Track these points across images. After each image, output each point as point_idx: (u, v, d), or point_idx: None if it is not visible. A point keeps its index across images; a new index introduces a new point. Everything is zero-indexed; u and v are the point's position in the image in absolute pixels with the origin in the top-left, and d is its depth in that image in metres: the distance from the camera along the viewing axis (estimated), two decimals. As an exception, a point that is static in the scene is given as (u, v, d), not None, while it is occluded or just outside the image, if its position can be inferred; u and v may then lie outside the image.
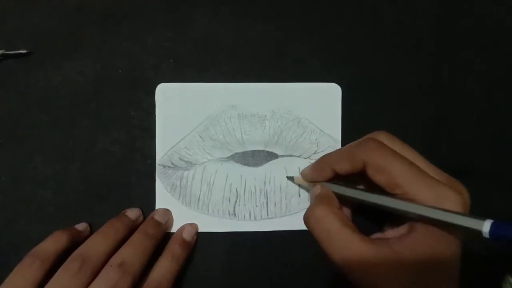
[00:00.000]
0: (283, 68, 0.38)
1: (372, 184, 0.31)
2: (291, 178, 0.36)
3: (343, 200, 0.33)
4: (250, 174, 0.37)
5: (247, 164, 0.37)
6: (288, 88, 0.37)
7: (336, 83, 0.38)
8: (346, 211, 0.35)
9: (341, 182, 0.33)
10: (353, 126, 0.37)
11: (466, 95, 0.39)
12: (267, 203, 0.37)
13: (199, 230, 0.37)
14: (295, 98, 0.37)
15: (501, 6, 0.39)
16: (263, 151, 0.37)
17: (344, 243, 0.29)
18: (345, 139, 0.37)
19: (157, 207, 0.36)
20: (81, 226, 0.35)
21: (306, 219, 0.31)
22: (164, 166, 0.37)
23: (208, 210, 0.36)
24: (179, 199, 0.36)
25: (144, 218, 0.36)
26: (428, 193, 0.28)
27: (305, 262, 0.37)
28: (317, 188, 0.33)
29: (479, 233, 0.25)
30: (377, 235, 0.33)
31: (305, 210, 0.36)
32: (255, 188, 0.36)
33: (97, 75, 0.37)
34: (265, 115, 0.37)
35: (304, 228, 0.36)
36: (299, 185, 0.36)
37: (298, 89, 0.37)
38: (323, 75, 0.38)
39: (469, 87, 0.39)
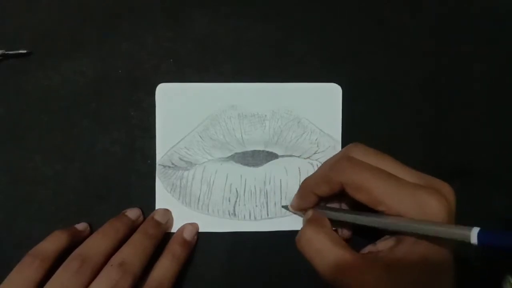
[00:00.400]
0: (283, 68, 0.38)
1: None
2: (285, 207, 0.37)
3: (340, 222, 0.33)
4: (250, 174, 0.37)
5: (247, 164, 0.37)
6: (288, 88, 0.37)
7: (336, 83, 0.38)
8: (345, 231, 0.35)
9: (332, 206, 0.34)
10: (353, 126, 0.37)
11: (466, 95, 0.39)
12: (267, 203, 0.37)
13: (199, 230, 0.36)
14: (295, 98, 0.37)
15: (501, 5, 0.39)
16: (263, 151, 0.37)
17: (336, 261, 0.29)
18: (345, 139, 0.37)
19: (157, 207, 0.36)
20: (81, 226, 0.35)
21: (297, 242, 0.32)
22: (164, 166, 0.37)
23: (208, 210, 0.36)
24: (179, 199, 0.36)
25: (144, 218, 0.36)
26: (410, 202, 0.28)
27: (305, 262, 0.37)
28: (309, 213, 0.34)
29: (468, 242, 0.25)
30: (370, 247, 0.32)
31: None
32: (255, 188, 0.36)
33: (97, 75, 0.37)
34: (265, 115, 0.37)
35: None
36: (295, 213, 0.37)
37: (298, 89, 0.37)
38: (323, 75, 0.38)
39: (469, 87, 0.39)
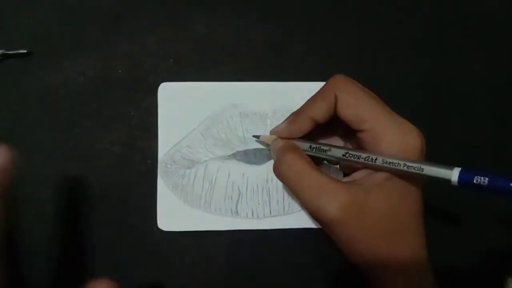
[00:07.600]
0: (283, 68, 0.38)
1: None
2: (256, 137, 0.36)
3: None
4: (252, 172, 0.37)
5: (249, 162, 0.37)
6: (289, 87, 0.38)
7: (336, 82, 0.38)
8: None
9: (302, 139, 0.33)
10: (353, 125, 0.38)
11: (465, 95, 0.39)
12: (269, 201, 0.36)
13: (201, 229, 0.36)
14: (295, 97, 0.37)
15: (501, 6, 0.40)
16: (264, 149, 0.37)
17: (315, 184, 0.29)
18: (346, 138, 0.37)
19: (158, 206, 0.36)
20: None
21: (276, 168, 0.31)
22: (166, 165, 0.36)
23: (210, 209, 0.36)
24: (181, 197, 0.36)
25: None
26: (394, 127, 0.29)
27: (307, 261, 0.37)
28: (279, 141, 0.33)
29: (448, 181, 0.26)
30: (346, 179, 0.32)
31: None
32: (257, 186, 0.36)
33: (97, 75, 0.37)
34: (267, 114, 0.37)
35: (307, 226, 0.36)
36: (261, 143, 0.36)
37: (298, 88, 0.37)
38: (323, 74, 0.38)
39: (469, 87, 0.39)
